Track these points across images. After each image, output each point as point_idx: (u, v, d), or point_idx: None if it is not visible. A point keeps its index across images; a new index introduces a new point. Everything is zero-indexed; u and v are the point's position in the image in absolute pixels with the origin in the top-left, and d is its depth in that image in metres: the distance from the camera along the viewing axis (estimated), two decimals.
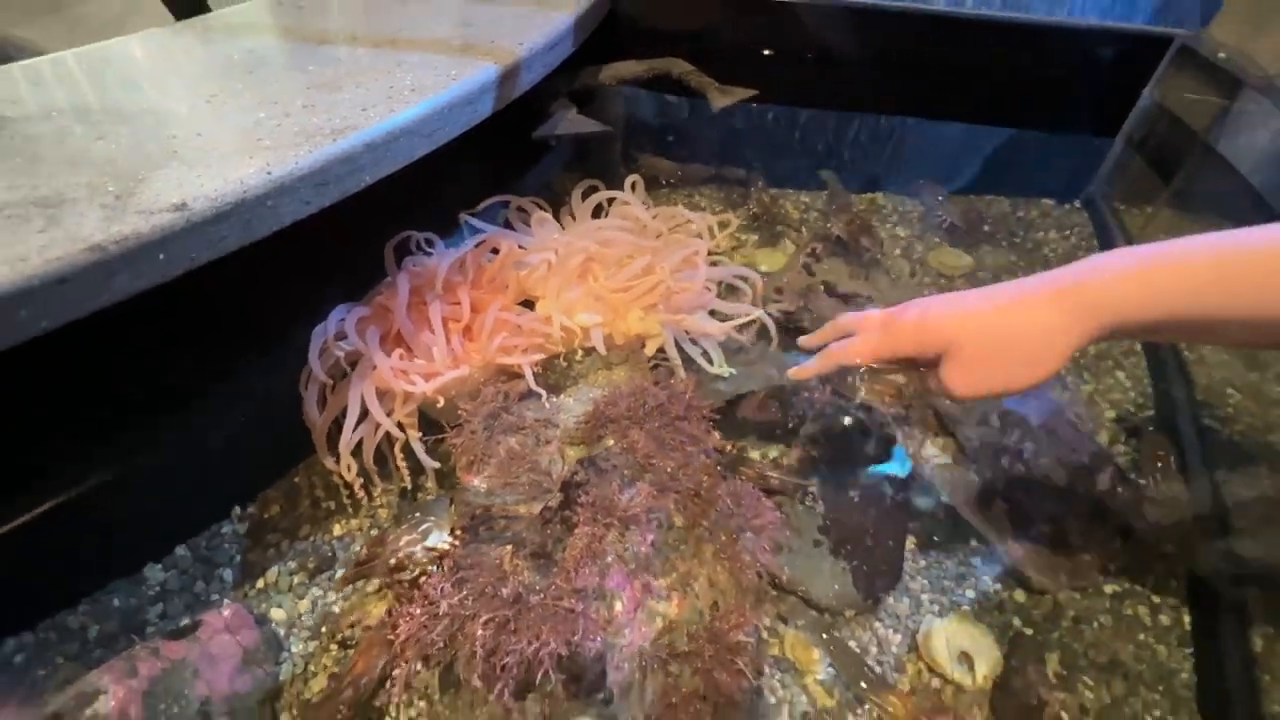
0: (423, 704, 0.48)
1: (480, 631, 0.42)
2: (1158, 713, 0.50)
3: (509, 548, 0.47)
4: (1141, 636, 0.54)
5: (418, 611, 0.43)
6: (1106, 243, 0.87)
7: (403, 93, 0.58)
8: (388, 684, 0.44)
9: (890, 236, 0.86)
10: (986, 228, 0.88)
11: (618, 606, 0.46)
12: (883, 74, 1.01)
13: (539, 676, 0.42)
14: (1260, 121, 0.72)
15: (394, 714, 0.47)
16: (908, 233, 0.87)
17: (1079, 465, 0.63)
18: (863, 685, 0.51)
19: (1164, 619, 0.55)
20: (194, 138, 0.50)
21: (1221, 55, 0.80)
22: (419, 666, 0.42)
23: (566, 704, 0.43)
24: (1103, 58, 0.94)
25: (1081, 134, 1.02)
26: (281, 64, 0.62)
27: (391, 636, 0.43)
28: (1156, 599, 0.56)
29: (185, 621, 0.52)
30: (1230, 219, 0.74)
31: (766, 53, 1.02)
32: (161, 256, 0.42)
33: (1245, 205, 0.71)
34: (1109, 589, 0.57)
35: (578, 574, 0.45)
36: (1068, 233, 0.90)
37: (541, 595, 0.44)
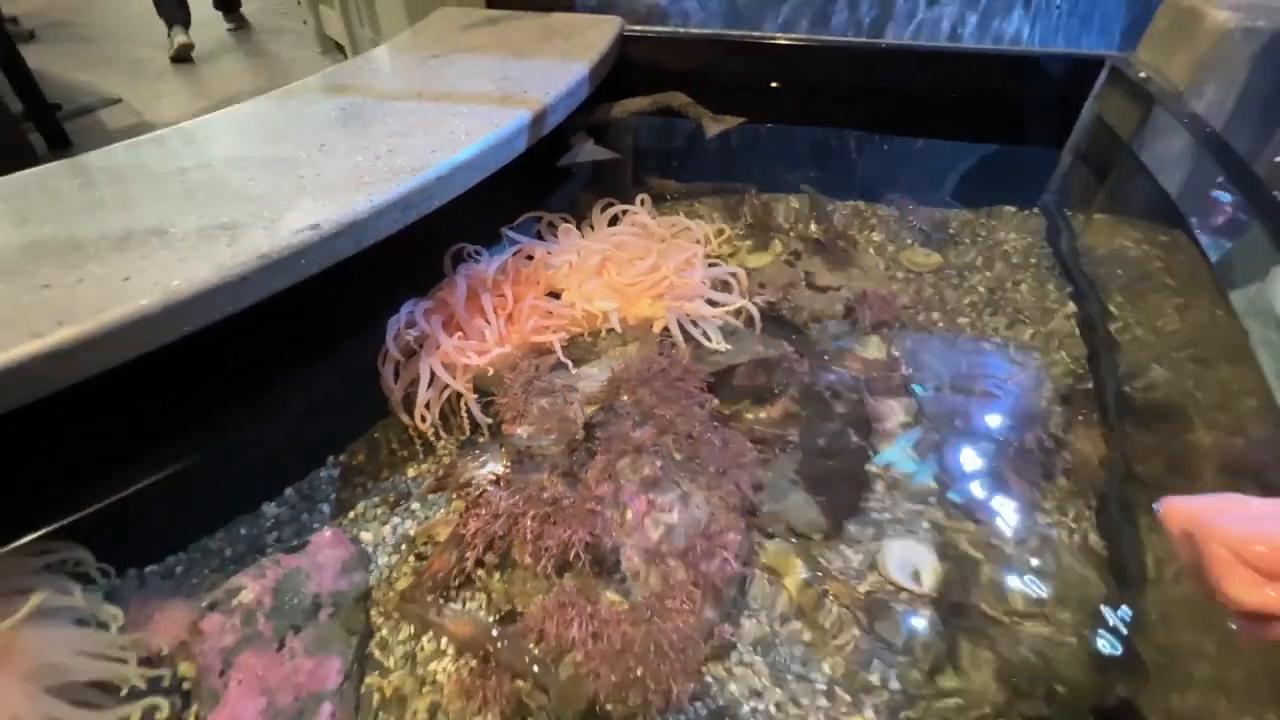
0: (487, 580, 0.61)
1: (529, 523, 0.56)
2: (1074, 604, 0.62)
3: (546, 471, 0.61)
4: (1063, 554, 0.66)
5: (483, 512, 0.57)
6: (1054, 243, 0.99)
7: (460, 137, 0.74)
8: (460, 571, 0.58)
9: (865, 239, 0.99)
10: (952, 230, 1.01)
11: (629, 514, 0.60)
12: (852, 101, 1.16)
13: (572, 557, 0.55)
14: (1167, 132, 0.84)
15: (468, 590, 0.61)
16: (881, 236, 1.00)
17: (1017, 422, 0.75)
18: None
19: (1077, 538, 0.67)
20: (315, 177, 0.66)
21: (1142, 74, 0.92)
22: (484, 551, 0.56)
23: (592, 580, 0.56)
24: (1053, 79, 1.07)
25: (1042, 147, 1.14)
26: (368, 118, 0.79)
27: (463, 531, 0.57)
28: (1072, 524, 0.68)
29: (295, 543, 0.67)
30: (1148, 219, 0.86)
31: (747, 85, 1.17)
32: (303, 262, 0.58)
33: (1158, 206, 0.83)
34: (1038, 518, 0.69)
35: (598, 487, 0.59)
36: (1026, 235, 1.02)
37: (572, 500, 0.57)
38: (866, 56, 1.14)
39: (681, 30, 1.18)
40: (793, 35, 1.18)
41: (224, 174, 0.67)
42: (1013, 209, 1.07)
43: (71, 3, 4.17)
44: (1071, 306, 0.90)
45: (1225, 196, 0.77)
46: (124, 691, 0.53)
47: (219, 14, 3.86)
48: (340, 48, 3.33)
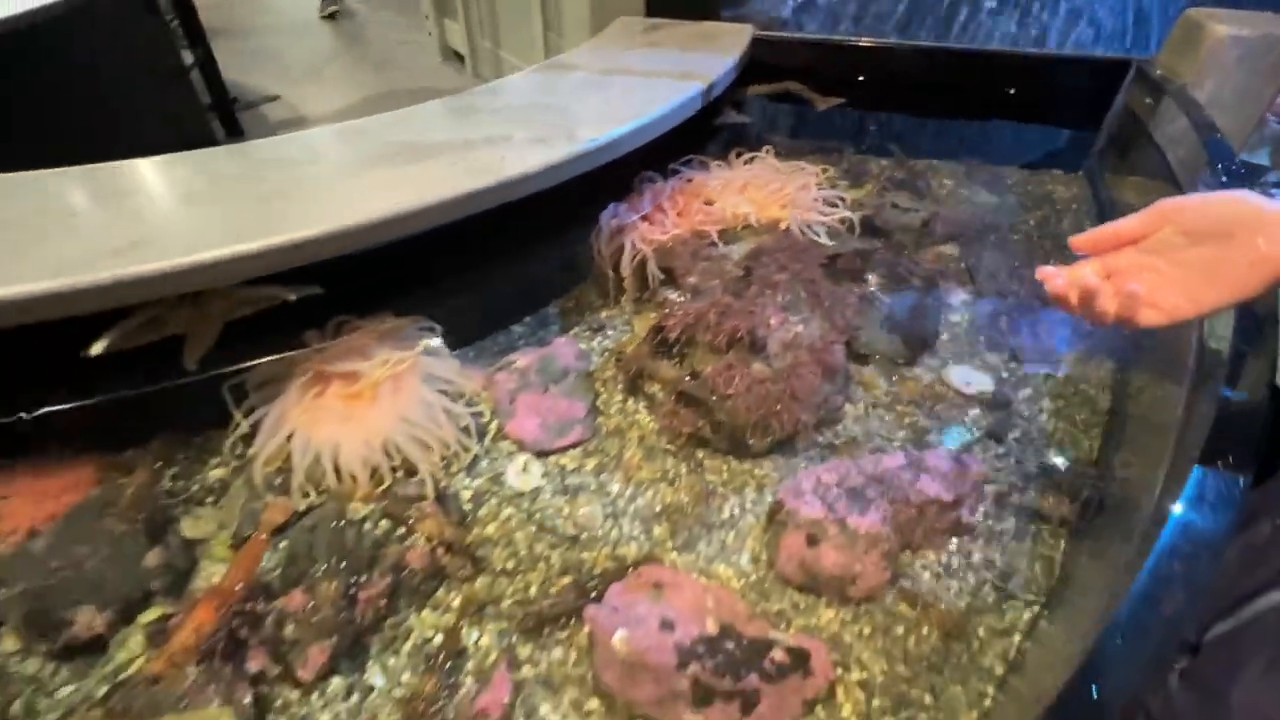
0: (680, 355, 0.91)
1: (711, 316, 0.87)
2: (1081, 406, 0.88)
3: (717, 294, 0.92)
4: (1078, 381, 0.92)
5: (678, 311, 0.89)
6: (1096, 196, 1.25)
7: (661, 98, 1.09)
8: (661, 344, 0.90)
9: (939, 183, 1.28)
10: (1009, 183, 1.28)
11: (772, 321, 0.90)
12: (928, 90, 1.45)
13: (736, 339, 0.86)
14: (1173, 117, 1.09)
15: (665, 359, 0.92)
16: (952, 183, 1.29)
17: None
18: None
19: (1091, 371, 0.93)
20: (582, 115, 1.01)
21: (1159, 72, 1.18)
22: (680, 336, 0.87)
23: (748, 355, 0.86)
24: (1095, 76, 1.34)
25: (1084, 128, 1.40)
26: (599, 84, 1.15)
27: (664, 323, 0.89)
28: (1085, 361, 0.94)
29: (535, 345, 1.01)
30: (1156, 181, 1.11)
31: (843, 78, 1.49)
32: (582, 162, 0.92)
33: (1164, 175, 1.08)
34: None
35: (752, 302, 0.89)
36: (1071, 189, 1.28)
37: (737, 307, 0.88)
38: (941, 55, 1.45)
39: (794, 35, 1.52)
40: (875, 38, 1.49)
41: (536, 109, 1.04)
42: (1060, 172, 1.33)
43: (227, 12, 4.93)
44: None
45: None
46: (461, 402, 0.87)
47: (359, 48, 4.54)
48: (459, 57, 3.87)
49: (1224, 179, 0.89)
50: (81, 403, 0.80)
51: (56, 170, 0.86)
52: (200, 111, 3.09)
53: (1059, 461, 0.83)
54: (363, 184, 0.85)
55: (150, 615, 0.70)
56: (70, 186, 0.84)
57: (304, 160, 0.90)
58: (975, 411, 0.89)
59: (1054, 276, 0.58)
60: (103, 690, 0.65)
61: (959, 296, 1.04)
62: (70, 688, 0.66)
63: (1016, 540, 0.77)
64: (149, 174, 0.87)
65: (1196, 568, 0.45)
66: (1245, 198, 0.52)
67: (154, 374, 0.82)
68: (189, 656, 0.64)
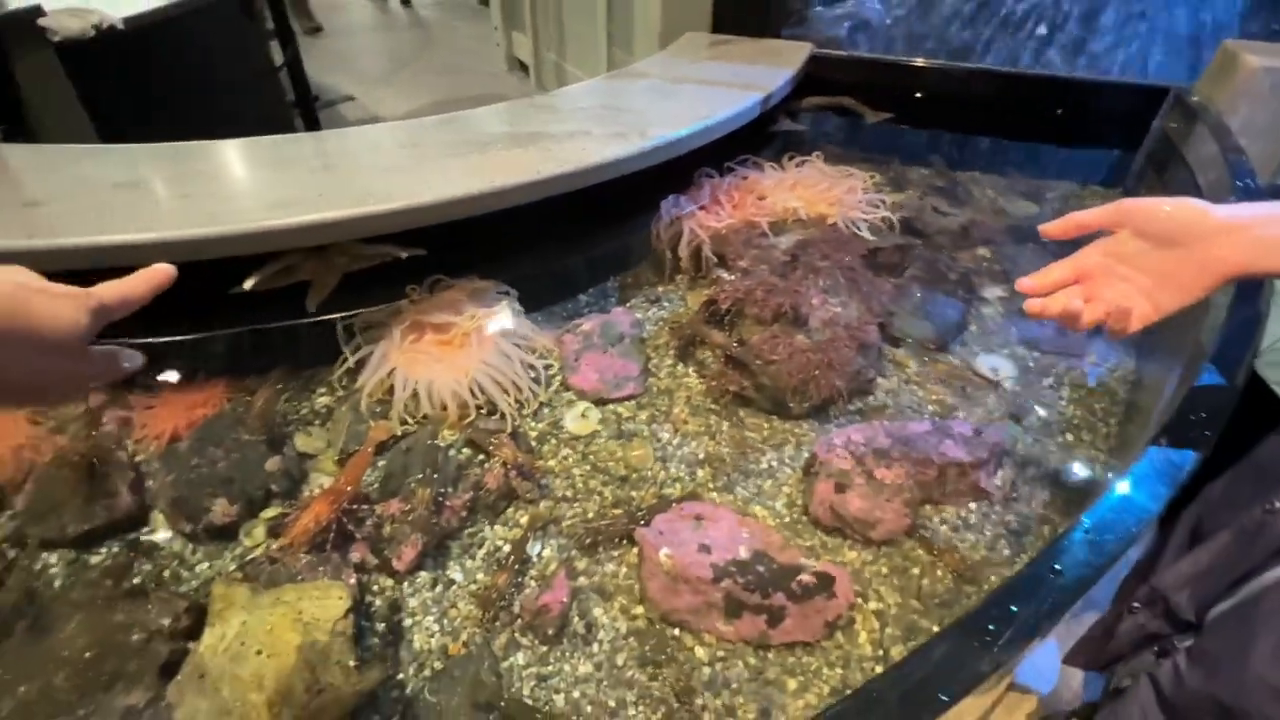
0: (731, 326, 1.02)
1: (759, 293, 0.97)
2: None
3: (765, 274, 1.03)
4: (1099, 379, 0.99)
5: (727, 288, 0.99)
6: None
7: (724, 105, 1.20)
8: (712, 315, 1.00)
9: (980, 192, 1.36)
10: (1049, 196, 1.35)
11: (814, 300, 0.99)
12: (978, 109, 1.53)
13: (780, 312, 0.96)
14: (1204, 141, 1.15)
15: (715, 329, 1.02)
16: (993, 192, 1.36)
17: None
18: None
19: (1109, 369, 1.00)
20: (654, 116, 1.13)
21: (1195, 99, 1.25)
22: (730, 308, 0.98)
23: (791, 328, 0.96)
24: (1137, 101, 1.40)
25: (1127, 149, 1.46)
26: (669, 91, 1.28)
27: (717, 296, 0.99)
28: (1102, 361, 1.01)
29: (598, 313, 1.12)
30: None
31: (895, 94, 1.58)
32: (653, 154, 1.04)
33: (1192, 191, 1.14)
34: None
35: (798, 284, 0.99)
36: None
37: (782, 286, 0.98)
38: (989, 77, 1.53)
39: (850, 54, 1.62)
40: (929, 59, 1.58)
41: (612, 111, 1.17)
42: (1099, 188, 1.39)
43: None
44: None
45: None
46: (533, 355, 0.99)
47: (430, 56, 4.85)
48: (524, 67, 4.08)
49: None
50: (220, 332, 0.95)
51: (225, 141, 1.02)
52: (286, 108, 3.35)
53: (1073, 443, 0.90)
54: (465, 163, 0.98)
55: (270, 512, 0.83)
56: (229, 153, 1.00)
57: (414, 142, 1.05)
58: (998, 395, 0.97)
59: (1032, 290, 0.66)
60: (232, 567, 0.78)
61: (992, 293, 1.11)
62: (205, 564, 0.79)
63: (1030, 507, 0.84)
64: (292, 146, 1.03)
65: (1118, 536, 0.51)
66: (1193, 204, 0.57)
67: (278, 314, 0.96)
68: (306, 541, 0.76)
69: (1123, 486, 0.56)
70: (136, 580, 0.74)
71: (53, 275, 0.43)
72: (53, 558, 0.77)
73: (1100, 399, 0.95)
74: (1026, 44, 1.61)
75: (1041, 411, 0.94)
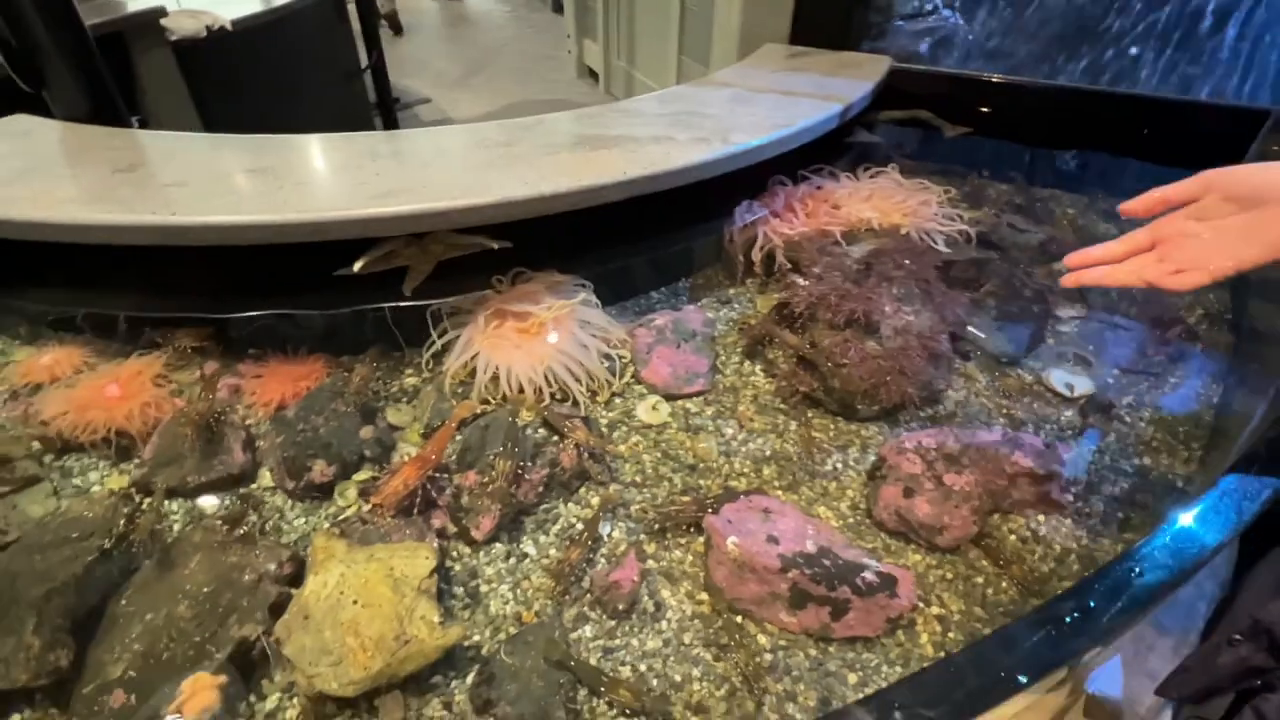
0: (799, 331, 1.04)
1: (832, 298, 0.99)
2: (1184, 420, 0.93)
3: (839, 280, 1.04)
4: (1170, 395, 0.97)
5: (801, 293, 1.01)
6: None
7: (803, 114, 1.23)
8: (787, 316, 1.03)
9: (1061, 211, 1.34)
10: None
11: (886, 308, 1.00)
12: (1061, 126, 1.50)
13: (853, 318, 0.97)
14: None
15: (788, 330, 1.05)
16: (1074, 211, 1.34)
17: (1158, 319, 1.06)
18: None
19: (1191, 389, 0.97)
20: (734, 123, 1.17)
21: None
22: (803, 311, 1.00)
23: (863, 334, 0.97)
24: (1233, 123, 1.36)
25: None
26: (749, 100, 1.31)
27: (791, 300, 1.01)
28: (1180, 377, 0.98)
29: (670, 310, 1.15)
30: None
31: (972, 109, 1.57)
32: (733, 160, 1.08)
33: None
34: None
35: (871, 291, 1.01)
36: None
37: (855, 293, 1.00)
38: (1071, 94, 1.50)
39: (929, 68, 1.62)
40: (1005, 75, 1.56)
41: (694, 116, 1.21)
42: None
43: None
44: None
45: None
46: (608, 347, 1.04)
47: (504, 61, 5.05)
48: (594, 74, 4.18)
49: None
50: (322, 312, 1.02)
51: (334, 135, 1.11)
52: (368, 108, 3.52)
53: (1151, 465, 0.89)
54: (555, 162, 1.03)
55: (363, 475, 0.90)
56: (343, 145, 1.09)
57: (507, 141, 1.11)
58: (1071, 412, 0.96)
59: (1100, 259, 0.65)
60: (327, 524, 0.84)
61: (1068, 311, 1.10)
62: (303, 519, 0.85)
63: (1103, 524, 0.83)
64: (399, 141, 1.11)
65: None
66: (1278, 165, 0.57)
67: (374, 297, 1.03)
68: (395, 503, 0.82)
69: (1201, 506, 0.55)
70: (245, 529, 0.81)
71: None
72: (173, 504, 0.85)
73: (1184, 422, 0.93)
74: (1115, 62, 1.57)
75: (1119, 430, 0.93)
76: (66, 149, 1.10)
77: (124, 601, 0.72)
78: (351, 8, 3.21)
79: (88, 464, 0.89)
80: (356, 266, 0.94)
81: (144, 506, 0.80)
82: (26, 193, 0.93)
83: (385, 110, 3.60)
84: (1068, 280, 0.66)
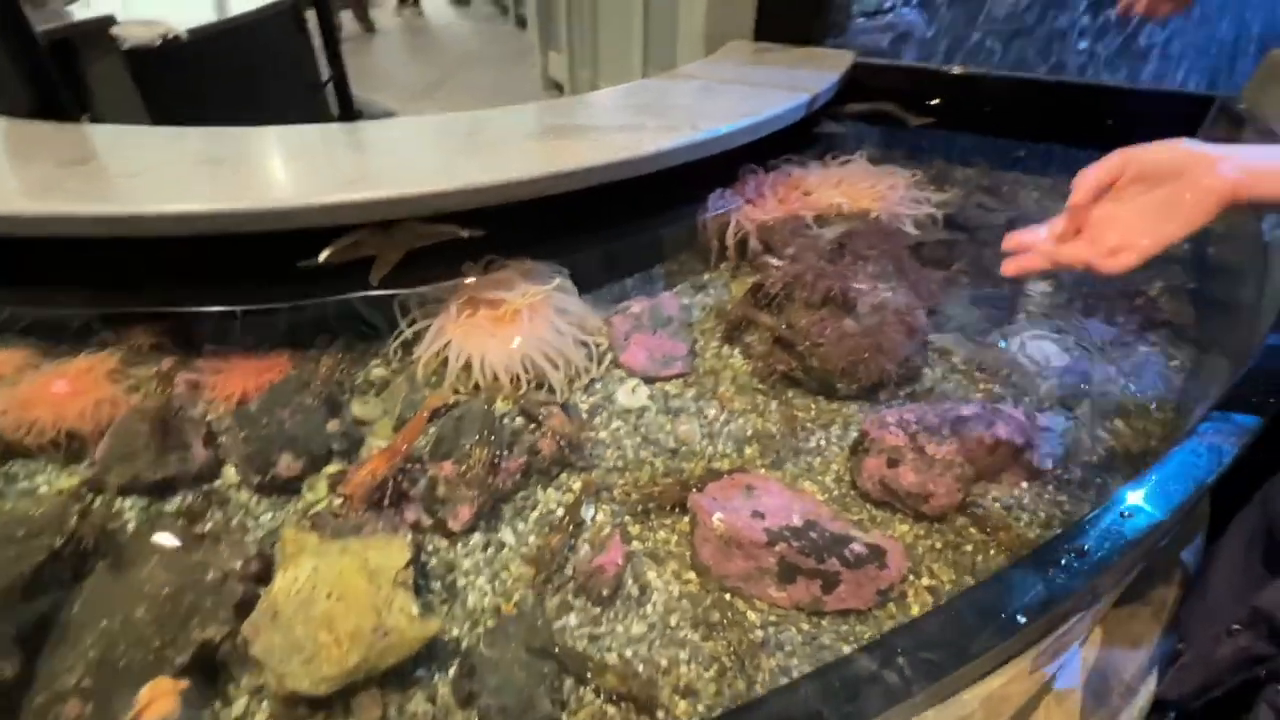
0: (775, 311, 1.03)
1: (808, 277, 0.99)
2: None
3: (813, 259, 1.04)
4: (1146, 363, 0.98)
5: (775, 274, 1.01)
6: None
7: (771, 104, 1.24)
8: (764, 297, 1.02)
9: (1024, 194, 1.37)
10: None
11: (862, 286, 1.01)
12: (1020, 117, 1.54)
13: (829, 296, 0.97)
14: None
15: (764, 313, 1.04)
16: (1037, 194, 1.37)
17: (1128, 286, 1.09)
18: None
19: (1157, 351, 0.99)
20: (702, 114, 1.17)
21: (1242, 107, 1.25)
22: (779, 291, 0.99)
23: (839, 311, 0.97)
24: (1177, 110, 1.41)
25: None
26: (718, 91, 1.32)
27: (765, 282, 1.01)
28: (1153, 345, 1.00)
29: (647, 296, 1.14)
30: None
31: (931, 101, 1.60)
32: (700, 147, 1.08)
33: None
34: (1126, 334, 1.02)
35: (846, 269, 1.01)
36: None
37: (830, 270, 1.00)
38: (1030, 86, 1.55)
39: (891, 62, 1.65)
40: (963, 66, 1.60)
41: (662, 106, 1.21)
42: None
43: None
44: None
45: None
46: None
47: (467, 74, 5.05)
48: (559, 86, 4.19)
49: None
50: (285, 305, 0.99)
51: (302, 125, 1.08)
52: (330, 121, 3.47)
53: (1125, 428, 0.90)
54: (523, 149, 1.02)
55: (332, 469, 0.86)
56: (305, 136, 1.06)
57: (474, 130, 1.09)
58: (1050, 383, 0.97)
59: (1021, 246, 0.67)
60: (295, 520, 0.80)
61: (1039, 287, 1.12)
62: (269, 515, 0.81)
63: (1084, 490, 0.84)
64: (364, 131, 1.09)
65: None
66: (1186, 143, 0.62)
67: (338, 288, 1.00)
68: (365, 494, 0.79)
69: (1191, 440, 0.56)
70: (208, 526, 0.76)
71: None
72: (127, 503, 0.80)
73: (1156, 387, 0.95)
74: (1066, 56, 1.62)
75: (1093, 397, 0.94)
76: (9, 143, 1.05)
77: (76, 607, 0.67)
78: (313, 23, 3.17)
79: (34, 468, 0.83)
80: (322, 256, 0.91)
81: (95, 504, 0.76)
82: None
83: (348, 123, 3.56)
84: (1009, 268, 0.67)
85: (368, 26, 5.59)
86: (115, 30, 2.06)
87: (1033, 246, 0.67)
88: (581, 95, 1.29)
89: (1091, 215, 0.65)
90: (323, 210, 0.85)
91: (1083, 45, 1.71)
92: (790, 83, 1.36)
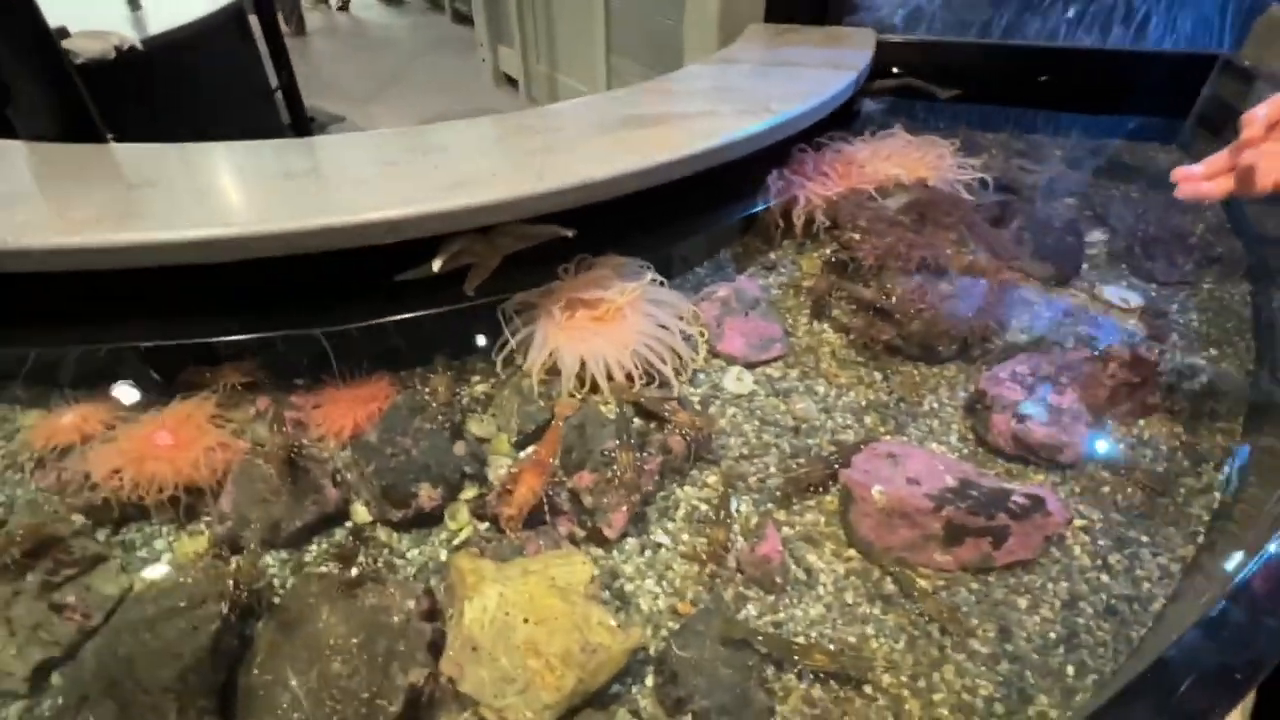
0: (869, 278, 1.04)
1: (899, 246, 1.00)
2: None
3: (901, 230, 1.06)
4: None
5: (866, 247, 1.02)
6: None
7: (827, 83, 1.24)
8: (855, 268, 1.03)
9: (1052, 153, 1.42)
10: (1112, 150, 1.42)
11: (948, 251, 1.03)
12: (1034, 84, 1.58)
13: (920, 264, 0.99)
14: (1263, 96, 1.22)
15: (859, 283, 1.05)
16: (1061, 152, 1.42)
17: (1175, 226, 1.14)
18: None
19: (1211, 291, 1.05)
20: (770, 95, 1.16)
21: (1247, 63, 1.32)
22: (873, 263, 1.00)
23: (933, 278, 0.99)
24: (1187, 69, 1.47)
25: (1175, 114, 1.52)
26: (764, 75, 1.31)
27: (861, 254, 1.02)
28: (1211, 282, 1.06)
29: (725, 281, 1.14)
30: None
31: (958, 74, 1.62)
32: (766, 132, 1.07)
33: None
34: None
35: (931, 238, 1.02)
36: (1171, 155, 1.42)
37: (922, 240, 1.01)
38: (1042, 53, 1.58)
39: (909, 38, 1.65)
40: (984, 40, 1.62)
41: (731, 88, 1.21)
42: (1157, 144, 1.47)
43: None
44: None
45: None
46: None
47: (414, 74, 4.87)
48: (512, 81, 4.09)
49: None
50: (381, 320, 0.93)
51: (380, 131, 1.03)
52: (282, 130, 3.31)
53: (1219, 356, 0.95)
54: (614, 141, 1.00)
55: (469, 493, 0.83)
56: (390, 143, 1.01)
57: (555, 127, 1.06)
58: (1134, 321, 1.01)
59: (1189, 177, 0.71)
60: (444, 552, 0.77)
61: (1095, 235, 1.17)
62: (415, 550, 0.78)
63: (1194, 419, 0.88)
64: (423, 136, 1.04)
65: None
66: None
67: (426, 302, 0.95)
68: (521, 515, 0.77)
69: None
70: (359, 569, 0.73)
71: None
72: (267, 557, 0.75)
73: (1229, 317, 1.00)
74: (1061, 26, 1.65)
75: (1178, 332, 0.99)
76: (59, 169, 0.95)
77: (256, 670, 0.63)
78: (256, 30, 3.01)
79: (150, 532, 0.78)
80: (436, 266, 0.87)
81: (239, 563, 0.71)
82: (30, 217, 0.79)
83: (300, 130, 3.39)
84: (1185, 191, 0.70)
85: (298, 29, 5.33)
86: (67, 44, 1.90)
87: (1202, 178, 0.70)
88: (643, 83, 1.27)
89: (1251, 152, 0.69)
90: (434, 218, 0.81)
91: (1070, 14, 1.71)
92: (831, 61, 1.37)
